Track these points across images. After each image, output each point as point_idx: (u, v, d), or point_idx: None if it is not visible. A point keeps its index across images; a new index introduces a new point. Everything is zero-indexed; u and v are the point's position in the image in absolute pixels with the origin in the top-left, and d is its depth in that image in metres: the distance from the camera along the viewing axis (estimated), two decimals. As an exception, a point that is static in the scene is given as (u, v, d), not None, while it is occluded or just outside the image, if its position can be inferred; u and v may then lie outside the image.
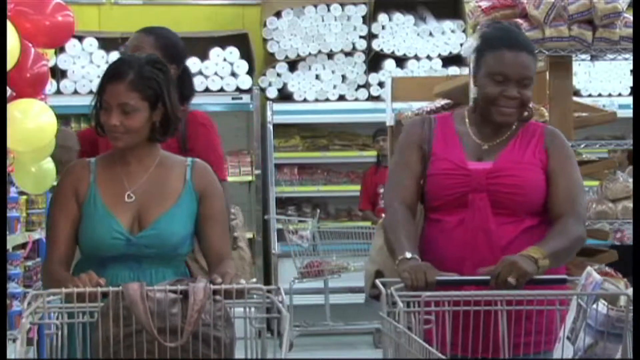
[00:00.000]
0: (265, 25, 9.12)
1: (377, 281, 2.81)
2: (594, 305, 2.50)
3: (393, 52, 9.23)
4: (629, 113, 5.33)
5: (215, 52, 9.03)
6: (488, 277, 2.99)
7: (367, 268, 3.43)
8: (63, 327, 2.62)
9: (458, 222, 3.21)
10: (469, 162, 3.24)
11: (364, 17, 9.24)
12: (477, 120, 3.31)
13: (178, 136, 3.72)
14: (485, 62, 3.24)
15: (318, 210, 9.14)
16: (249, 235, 9.16)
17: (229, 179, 9.12)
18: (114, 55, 8.22)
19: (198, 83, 8.96)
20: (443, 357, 2.35)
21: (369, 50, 9.25)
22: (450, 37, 9.28)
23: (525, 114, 3.30)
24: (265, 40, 9.16)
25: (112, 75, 3.08)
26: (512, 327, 2.79)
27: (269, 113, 9.17)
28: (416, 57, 9.25)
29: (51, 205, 3.18)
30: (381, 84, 9.06)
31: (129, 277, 3.04)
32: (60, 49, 8.52)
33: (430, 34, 9.29)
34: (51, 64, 3.91)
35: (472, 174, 3.21)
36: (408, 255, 3.03)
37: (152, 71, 3.09)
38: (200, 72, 9.00)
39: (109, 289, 2.59)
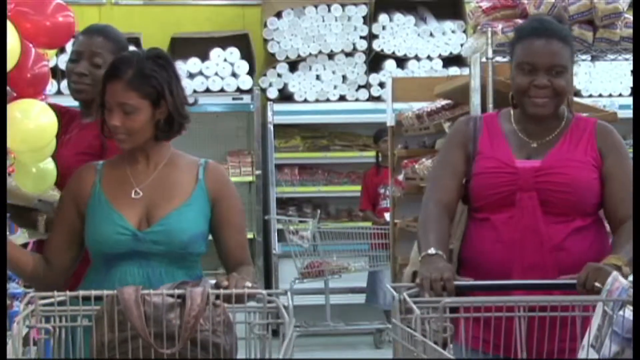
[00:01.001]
0: (265, 25, 9.12)
1: (388, 285, 2.75)
2: (620, 312, 2.38)
3: (393, 53, 9.23)
4: (629, 113, 5.33)
5: (215, 53, 9.03)
6: (511, 282, 2.95)
7: (406, 269, 3.33)
8: (60, 331, 2.54)
9: (505, 220, 3.11)
10: (516, 160, 3.14)
11: (364, 18, 9.24)
12: (522, 118, 3.21)
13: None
14: (515, 53, 3.16)
15: (318, 211, 9.14)
16: (250, 235, 9.17)
17: (230, 179, 9.16)
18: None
19: (199, 83, 8.97)
20: None
21: (369, 51, 9.25)
22: (451, 37, 9.28)
23: (563, 107, 3.20)
24: (265, 41, 9.17)
25: (110, 74, 3.02)
26: (535, 333, 2.70)
27: (269, 113, 9.17)
28: (417, 58, 9.25)
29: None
30: (382, 85, 9.06)
31: (138, 275, 2.96)
32: (61, 50, 8.47)
33: (431, 34, 9.29)
34: (52, 64, 3.91)
35: (519, 172, 3.12)
36: (431, 251, 2.96)
37: (152, 68, 3.01)
38: (200, 73, 9.00)
39: (102, 293, 2.52)
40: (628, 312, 2.37)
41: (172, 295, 2.51)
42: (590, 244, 3.10)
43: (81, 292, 2.54)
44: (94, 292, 2.54)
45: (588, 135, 3.18)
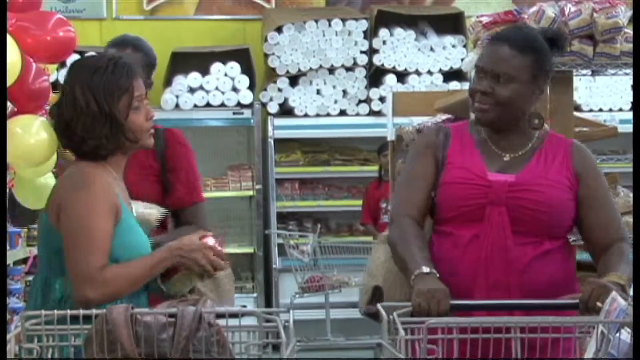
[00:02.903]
0: (266, 40, 9.14)
1: (379, 305, 2.58)
2: (617, 334, 2.28)
3: (394, 67, 9.24)
4: (629, 128, 5.32)
5: (216, 67, 9.04)
6: (504, 302, 2.83)
7: (365, 282, 3.24)
8: (53, 351, 2.43)
9: (473, 236, 2.98)
10: (489, 173, 3.02)
11: (365, 32, 9.25)
12: (492, 130, 3.10)
13: (155, 155, 3.61)
14: None
15: (319, 225, 9.14)
16: (250, 250, 9.17)
17: (230, 194, 9.20)
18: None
19: (199, 98, 8.98)
20: None
21: (370, 65, 9.26)
22: (451, 52, 9.29)
23: (536, 121, 3.09)
24: (266, 55, 9.17)
25: (134, 70, 2.96)
26: (525, 354, 2.50)
27: (270, 128, 9.18)
28: (417, 72, 9.26)
29: (89, 213, 2.80)
30: (382, 99, 9.07)
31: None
32: (62, 64, 8.50)
33: (431, 49, 9.30)
34: (52, 79, 3.91)
35: (492, 185, 2.98)
36: (425, 269, 2.82)
37: None
38: (201, 87, 9.01)
39: (92, 312, 2.41)
40: (625, 335, 2.27)
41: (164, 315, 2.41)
42: (556, 268, 2.98)
43: (69, 312, 2.43)
44: (82, 312, 2.43)
45: (563, 154, 3.07)
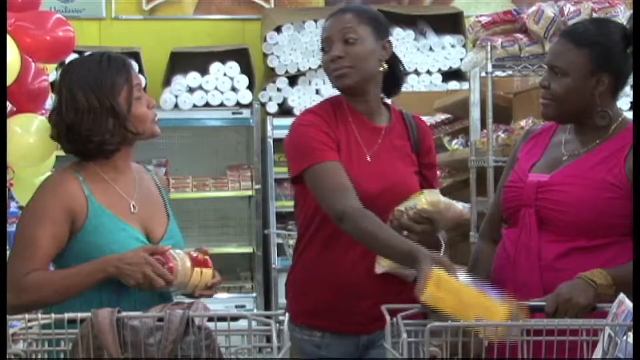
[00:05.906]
0: (265, 40, 9.13)
1: (383, 307, 2.48)
2: (625, 337, 2.21)
3: (393, 67, 9.22)
4: (629, 128, 5.32)
5: (215, 67, 9.03)
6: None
7: None
8: (36, 355, 2.39)
9: (509, 236, 2.97)
10: (530, 174, 2.96)
11: (364, 32, 9.23)
12: (573, 128, 3.00)
13: (412, 145, 3.35)
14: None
15: (318, 225, 9.11)
16: (249, 250, 9.17)
17: (229, 193, 9.19)
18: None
19: (198, 98, 8.97)
20: None
21: (369, 65, 9.24)
22: (451, 51, 9.29)
23: (601, 119, 2.95)
24: (265, 55, 9.17)
25: (128, 61, 3.00)
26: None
27: (269, 128, 9.17)
28: (416, 72, 9.25)
29: (30, 220, 2.84)
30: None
31: (157, 294, 2.88)
32: (61, 64, 8.52)
33: (431, 48, 9.30)
34: (52, 78, 3.91)
35: (525, 187, 2.95)
36: None
37: None
38: (200, 87, 9.00)
39: (76, 315, 2.36)
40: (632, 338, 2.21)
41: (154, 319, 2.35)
42: (598, 265, 2.78)
43: (54, 316, 2.39)
44: (67, 315, 2.38)
45: (621, 150, 2.90)
